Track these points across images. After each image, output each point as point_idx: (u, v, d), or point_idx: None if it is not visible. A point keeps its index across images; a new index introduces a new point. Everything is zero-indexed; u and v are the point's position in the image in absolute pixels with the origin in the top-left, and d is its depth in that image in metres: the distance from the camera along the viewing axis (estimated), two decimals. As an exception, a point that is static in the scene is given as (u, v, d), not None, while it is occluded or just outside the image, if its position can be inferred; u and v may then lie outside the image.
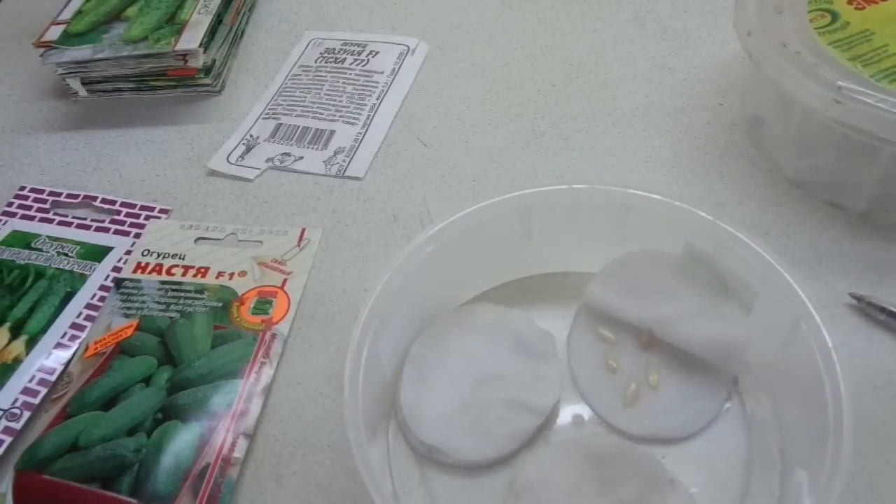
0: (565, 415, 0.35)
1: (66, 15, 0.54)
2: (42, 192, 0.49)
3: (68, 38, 0.51)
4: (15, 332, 0.41)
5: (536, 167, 0.47)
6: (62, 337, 0.40)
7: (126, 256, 0.44)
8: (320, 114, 0.52)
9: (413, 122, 0.51)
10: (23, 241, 0.46)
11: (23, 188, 0.49)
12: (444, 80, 0.54)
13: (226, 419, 0.36)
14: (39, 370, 0.39)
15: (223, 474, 0.34)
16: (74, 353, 0.40)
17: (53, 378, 0.39)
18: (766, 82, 0.43)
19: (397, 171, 0.48)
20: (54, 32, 0.52)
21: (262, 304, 0.41)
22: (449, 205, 0.45)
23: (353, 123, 0.51)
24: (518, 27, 0.57)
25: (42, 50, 0.51)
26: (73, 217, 0.47)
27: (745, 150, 0.46)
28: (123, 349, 0.39)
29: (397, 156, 0.49)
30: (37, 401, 0.38)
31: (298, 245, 0.44)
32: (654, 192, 0.35)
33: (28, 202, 0.48)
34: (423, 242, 0.34)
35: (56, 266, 0.44)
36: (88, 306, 0.42)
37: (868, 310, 0.34)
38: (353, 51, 0.56)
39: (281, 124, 0.51)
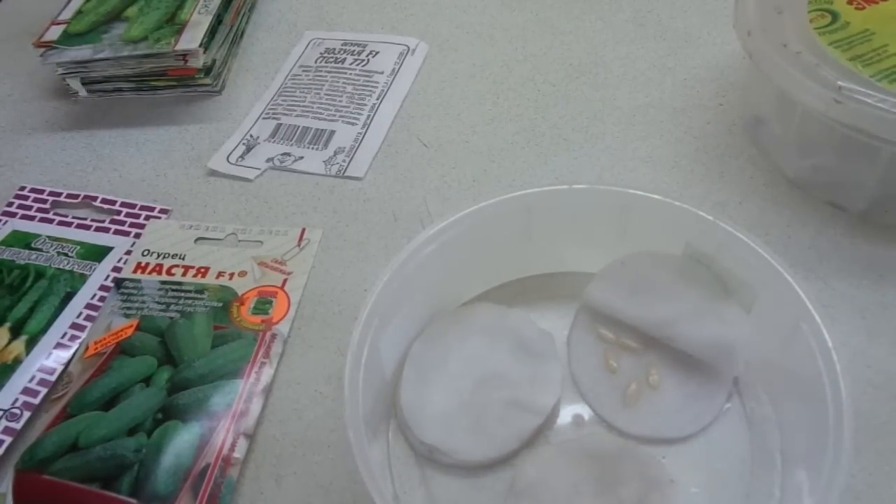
0: (565, 415, 0.35)
1: (66, 15, 0.54)
2: (42, 192, 0.49)
3: (68, 38, 0.51)
4: (15, 332, 0.41)
5: (536, 167, 0.47)
6: (62, 337, 0.40)
7: (126, 256, 0.44)
8: (320, 114, 0.52)
9: (413, 122, 0.51)
10: (23, 241, 0.46)
11: (23, 188, 0.49)
12: (444, 80, 0.54)
13: (226, 419, 0.36)
14: (39, 370, 0.39)
15: (223, 474, 0.34)
16: (74, 353, 0.40)
17: (53, 378, 0.39)
18: (766, 82, 0.43)
19: (397, 171, 0.48)
20: (54, 32, 0.52)
21: (263, 305, 0.41)
22: (449, 205, 0.45)
23: (353, 123, 0.51)
24: (518, 27, 0.57)
25: (42, 50, 0.51)
26: (73, 217, 0.47)
27: (745, 150, 0.46)
28: (123, 349, 0.39)
29: (397, 156, 0.49)
30: (37, 401, 0.38)
31: (298, 245, 0.44)
32: (655, 193, 0.35)
33: (28, 202, 0.48)
34: (423, 242, 0.34)
35: (56, 266, 0.44)
36: (88, 306, 0.42)
37: None
38: (353, 51, 0.56)
39: (281, 124, 0.51)
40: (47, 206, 0.48)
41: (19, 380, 0.39)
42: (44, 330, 0.41)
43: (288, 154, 0.49)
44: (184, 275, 0.42)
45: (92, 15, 0.53)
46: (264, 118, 0.52)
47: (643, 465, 0.32)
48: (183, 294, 0.41)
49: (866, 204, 0.41)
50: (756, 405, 0.34)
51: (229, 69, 0.56)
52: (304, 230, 0.44)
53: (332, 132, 0.50)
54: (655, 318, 0.36)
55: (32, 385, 0.38)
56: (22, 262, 0.44)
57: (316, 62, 0.56)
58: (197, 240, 0.45)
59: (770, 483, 0.32)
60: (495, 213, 0.36)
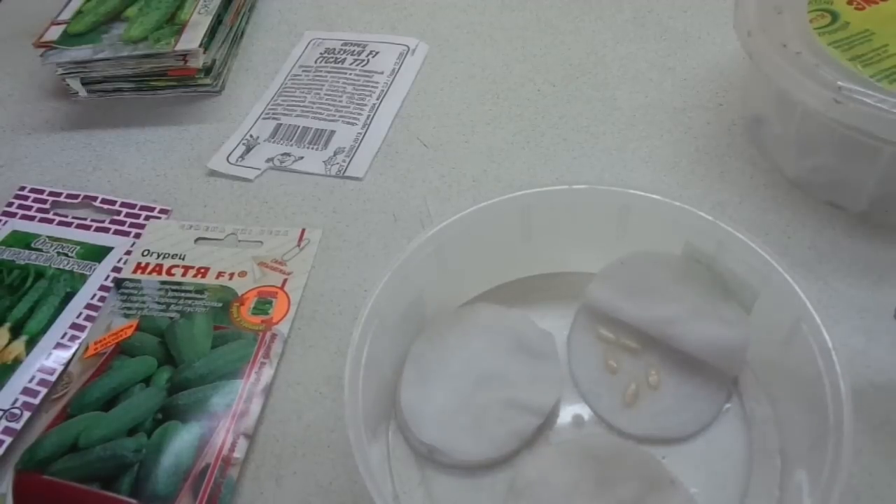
0: (565, 415, 0.35)
1: (66, 15, 0.54)
2: (42, 192, 0.49)
3: (68, 38, 0.51)
4: (15, 333, 0.41)
5: (536, 167, 0.47)
6: (62, 337, 0.40)
7: (126, 256, 0.44)
8: (320, 114, 0.52)
9: (413, 122, 0.51)
10: (23, 241, 0.46)
11: (23, 188, 0.49)
12: (444, 80, 0.54)
13: (226, 419, 0.36)
14: (39, 370, 0.39)
15: (223, 474, 0.34)
16: (74, 354, 0.40)
17: (53, 378, 0.39)
18: (766, 82, 0.43)
19: (397, 171, 0.48)
20: (54, 32, 0.52)
21: (262, 305, 0.41)
22: (449, 205, 0.45)
23: (353, 123, 0.51)
24: (518, 27, 0.57)
25: (42, 50, 0.51)
26: (73, 217, 0.47)
27: (745, 150, 0.46)
28: (123, 349, 0.39)
29: (397, 156, 0.49)
30: (37, 401, 0.38)
31: (298, 245, 0.44)
32: (654, 193, 0.35)
33: (28, 202, 0.48)
34: (423, 242, 0.34)
35: (56, 266, 0.44)
36: (88, 306, 0.42)
37: None
38: (353, 51, 0.56)
39: (281, 124, 0.51)
40: (47, 206, 0.48)
41: (19, 380, 0.39)
42: (44, 330, 0.41)
43: (288, 154, 0.49)
44: (184, 275, 0.42)
45: (92, 15, 0.53)
46: (264, 118, 0.52)
47: (643, 466, 0.32)
48: (183, 294, 0.41)
49: (866, 204, 0.41)
50: (756, 405, 0.34)
51: (229, 69, 0.56)
52: (303, 230, 0.44)
53: (332, 132, 0.50)
54: (655, 318, 0.36)
55: (32, 385, 0.38)
56: (22, 262, 0.44)
57: (316, 62, 0.56)
58: (197, 240, 0.45)
59: (770, 483, 0.32)
60: (495, 214, 0.36)
